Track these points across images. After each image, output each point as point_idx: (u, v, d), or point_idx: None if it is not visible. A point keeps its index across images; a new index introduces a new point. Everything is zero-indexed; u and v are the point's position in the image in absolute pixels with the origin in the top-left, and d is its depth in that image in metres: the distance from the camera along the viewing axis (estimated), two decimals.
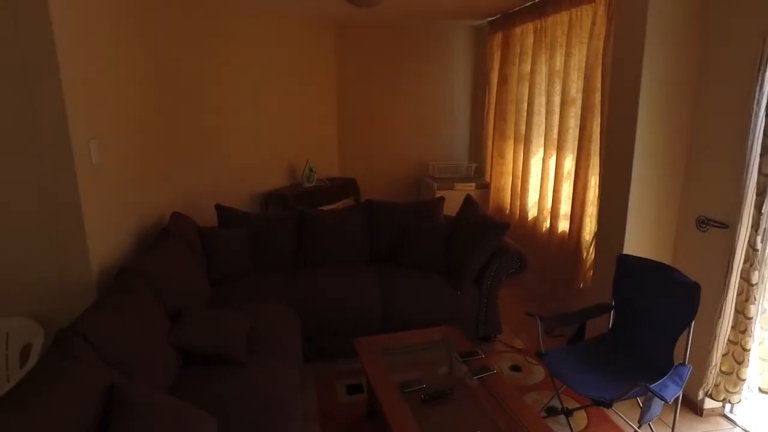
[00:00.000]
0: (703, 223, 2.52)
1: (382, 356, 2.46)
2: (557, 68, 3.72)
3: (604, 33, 3.05)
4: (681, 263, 2.64)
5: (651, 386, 1.95)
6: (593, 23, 3.17)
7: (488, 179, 5.03)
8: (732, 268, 2.28)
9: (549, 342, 3.33)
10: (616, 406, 2.16)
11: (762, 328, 2.38)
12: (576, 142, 3.46)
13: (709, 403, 2.55)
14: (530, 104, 4.12)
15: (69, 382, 1.49)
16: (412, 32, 5.25)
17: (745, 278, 2.25)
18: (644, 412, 1.99)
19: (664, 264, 2.42)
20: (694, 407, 2.61)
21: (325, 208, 4.36)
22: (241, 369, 2.18)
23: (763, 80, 2.10)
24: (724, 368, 2.41)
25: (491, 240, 3.19)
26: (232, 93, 4.25)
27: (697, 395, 2.53)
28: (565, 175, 3.68)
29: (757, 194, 2.16)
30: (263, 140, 4.56)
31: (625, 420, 2.56)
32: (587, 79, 3.26)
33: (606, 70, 3.02)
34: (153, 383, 1.91)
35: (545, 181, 3.96)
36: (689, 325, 2.24)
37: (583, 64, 3.33)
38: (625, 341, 2.50)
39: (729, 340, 2.38)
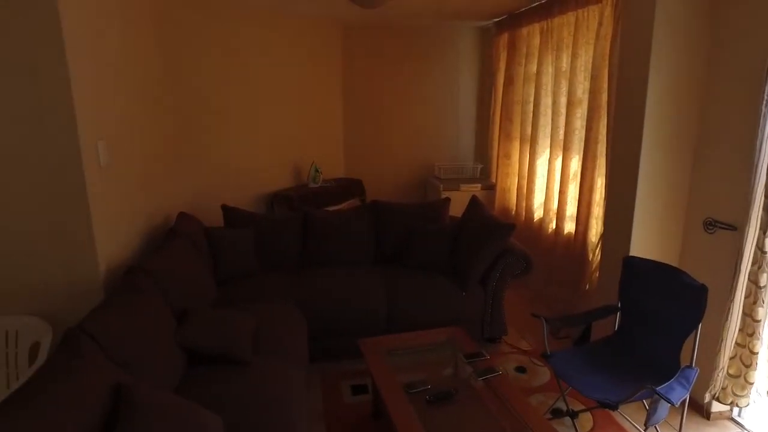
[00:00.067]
0: (710, 224, 2.51)
1: (387, 357, 2.46)
2: (563, 69, 3.71)
3: (611, 33, 3.03)
4: (688, 265, 2.62)
5: (657, 389, 1.94)
6: (600, 24, 3.16)
7: (494, 180, 5.02)
8: (740, 270, 2.26)
9: (554, 343, 3.31)
10: (622, 408, 2.15)
11: None
12: (582, 143, 3.44)
13: (716, 407, 2.54)
14: (536, 105, 4.11)
15: (76, 380, 1.50)
16: (418, 33, 5.25)
17: (753, 280, 2.23)
18: (650, 414, 1.98)
19: (670, 266, 2.41)
20: (701, 410, 2.59)
21: (331, 208, 4.37)
22: (247, 369, 2.19)
23: None
24: (731, 371, 2.39)
25: (497, 241, 3.18)
26: (239, 94, 4.27)
27: (703, 398, 2.51)
28: (571, 176, 3.67)
29: (765, 196, 2.14)
30: (269, 141, 4.58)
31: (631, 422, 2.55)
32: (594, 79, 3.25)
33: (613, 70, 3.01)
34: (159, 383, 1.92)
35: (551, 183, 3.95)
36: (696, 328, 2.22)
37: (590, 65, 3.31)
38: (631, 343, 2.49)
39: (737, 343, 2.36)
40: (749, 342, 2.30)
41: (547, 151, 4.02)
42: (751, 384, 2.34)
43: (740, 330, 2.33)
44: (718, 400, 2.46)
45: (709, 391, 2.45)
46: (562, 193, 3.74)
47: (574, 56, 3.50)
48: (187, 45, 3.83)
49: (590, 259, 3.38)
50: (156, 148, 3.34)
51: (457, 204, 4.27)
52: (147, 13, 3.25)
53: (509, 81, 4.61)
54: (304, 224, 3.61)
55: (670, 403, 1.92)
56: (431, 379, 2.29)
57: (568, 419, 2.54)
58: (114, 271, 2.47)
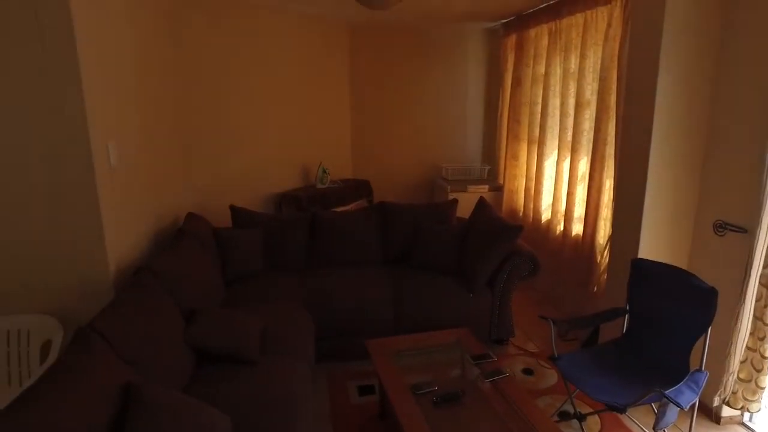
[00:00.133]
0: (720, 227, 2.48)
1: (394, 358, 2.46)
2: (572, 70, 3.69)
3: (620, 35, 3.02)
4: (697, 268, 2.60)
5: (666, 392, 1.92)
6: (609, 25, 3.14)
7: (501, 181, 5.01)
8: (750, 273, 2.24)
9: (562, 346, 3.30)
10: (630, 411, 2.14)
11: None
12: (590, 145, 3.43)
13: (726, 411, 2.51)
14: (544, 106, 4.10)
15: (87, 379, 1.52)
16: (425, 34, 5.26)
17: (764, 284, 2.21)
18: (659, 418, 1.97)
19: (679, 268, 2.39)
20: (710, 414, 2.57)
21: (339, 209, 4.38)
22: (254, 369, 2.20)
23: None
24: (742, 376, 2.37)
25: (504, 243, 3.17)
26: (247, 95, 4.29)
27: (713, 402, 2.48)
28: (579, 178, 3.65)
29: None
30: (277, 142, 4.60)
31: (639, 426, 2.53)
32: (602, 81, 3.23)
33: (621, 71, 2.99)
34: (168, 382, 1.94)
35: (559, 184, 3.94)
36: (706, 331, 2.20)
37: (599, 66, 3.30)
38: (639, 346, 2.47)
39: (747, 347, 2.34)
40: (760, 346, 2.28)
41: (555, 152, 4.01)
42: (763, 389, 2.31)
43: (751, 334, 2.31)
44: (728, 404, 2.44)
45: (718, 394, 2.43)
46: (570, 194, 3.73)
47: (582, 57, 3.49)
48: (196, 46, 3.86)
49: (598, 261, 3.36)
50: (165, 149, 3.37)
51: (465, 205, 4.27)
52: (157, 16, 3.28)
53: (517, 82, 4.60)
54: (311, 225, 3.63)
55: (679, 406, 1.91)
56: (438, 380, 2.29)
57: (575, 422, 2.53)
58: (124, 270, 2.50)
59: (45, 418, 1.33)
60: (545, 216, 4.26)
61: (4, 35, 2.05)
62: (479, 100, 5.52)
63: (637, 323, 2.52)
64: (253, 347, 2.29)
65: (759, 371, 2.30)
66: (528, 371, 3.07)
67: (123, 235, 2.52)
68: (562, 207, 3.90)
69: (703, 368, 2.20)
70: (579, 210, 3.68)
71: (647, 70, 2.52)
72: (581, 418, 2.51)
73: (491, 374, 2.28)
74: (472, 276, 3.21)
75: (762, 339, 2.26)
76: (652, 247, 2.67)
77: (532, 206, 4.43)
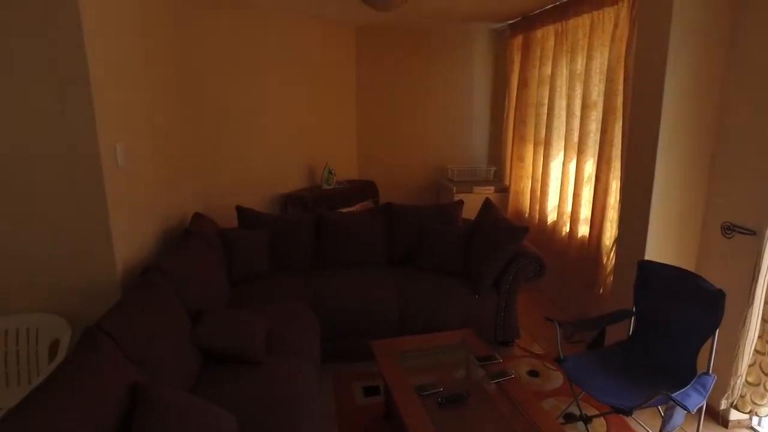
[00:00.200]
0: (728, 229, 2.47)
1: (400, 359, 2.46)
2: (578, 71, 3.68)
3: (626, 35, 3.01)
4: (705, 270, 2.58)
5: (673, 395, 1.91)
6: (616, 26, 3.13)
7: (507, 183, 5.00)
8: (758, 275, 2.22)
9: (568, 347, 3.29)
10: (637, 414, 2.13)
11: None
12: (597, 146, 3.41)
13: (735, 415, 2.49)
14: (550, 107, 4.09)
15: (95, 378, 1.53)
16: (431, 35, 5.26)
17: None
18: (666, 421, 1.96)
19: (687, 270, 2.38)
20: (719, 418, 2.55)
21: (344, 210, 4.39)
22: (260, 369, 2.21)
23: None
24: (750, 379, 2.35)
25: (510, 244, 3.17)
26: (253, 96, 4.31)
27: (720, 405, 2.46)
28: (585, 179, 3.64)
29: None
30: (283, 142, 4.61)
31: (645, 429, 2.52)
32: (609, 82, 3.22)
33: (628, 72, 2.98)
34: (175, 382, 1.95)
35: (565, 185, 3.92)
36: (713, 334, 2.19)
37: (605, 67, 3.29)
38: (645, 348, 2.46)
39: (756, 350, 2.32)
40: None
41: (561, 153, 3.99)
42: None
43: (759, 337, 2.29)
44: (736, 408, 2.42)
45: (726, 398, 2.41)
46: (576, 196, 3.71)
47: (589, 58, 3.48)
48: (202, 47, 3.88)
49: (604, 262, 3.34)
50: (172, 150, 3.39)
51: (471, 206, 4.26)
52: (164, 17, 3.30)
53: (523, 83, 4.59)
54: (317, 225, 3.64)
55: (686, 409, 1.90)
56: (443, 381, 2.29)
57: (581, 424, 2.52)
58: (131, 270, 2.52)
59: (53, 417, 1.34)
60: (551, 217, 4.24)
61: (13, 38, 2.07)
62: (485, 101, 5.51)
63: (643, 325, 2.51)
64: (259, 348, 2.30)
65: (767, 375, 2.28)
66: (533, 373, 3.06)
67: (130, 235, 2.54)
68: (568, 208, 3.88)
69: (710, 371, 2.19)
70: (585, 211, 3.67)
71: (654, 71, 2.51)
72: (587, 420, 2.50)
73: (496, 376, 2.28)
74: (477, 277, 3.21)
75: None
76: (658, 248, 2.65)
77: (538, 207, 4.42)
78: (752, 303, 2.25)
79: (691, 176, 2.58)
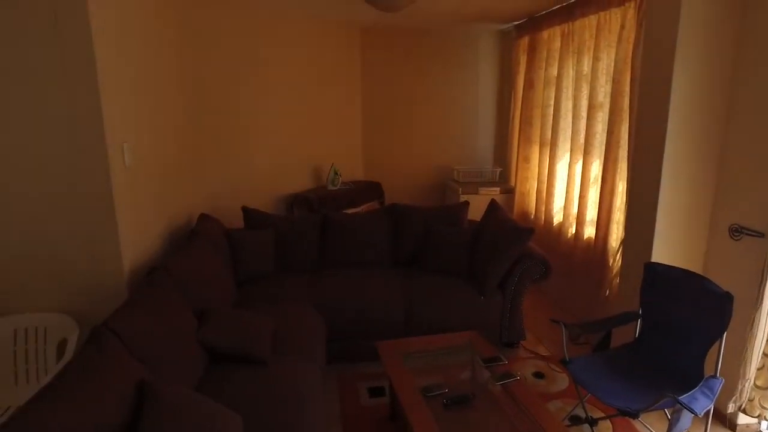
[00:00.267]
0: (736, 231, 2.45)
1: (405, 360, 2.46)
2: (585, 72, 3.67)
3: (633, 36, 2.99)
4: (712, 272, 2.57)
5: (680, 398, 1.90)
6: (622, 26, 3.12)
7: (513, 184, 4.99)
8: (767, 278, 2.21)
9: (573, 349, 3.27)
10: (643, 417, 2.12)
11: None
12: (603, 147, 3.40)
13: (743, 419, 2.47)
14: (556, 109, 4.07)
15: (102, 377, 1.54)
16: (437, 36, 5.26)
17: None
18: (673, 424, 1.94)
19: (694, 272, 2.36)
20: (726, 422, 2.53)
21: (350, 211, 4.39)
22: (266, 369, 2.22)
23: None
24: (759, 383, 2.33)
25: (516, 245, 3.16)
26: (259, 97, 4.33)
27: (727, 409, 2.45)
28: (591, 181, 3.62)
29: None
30: (289, 143, 4.63)
31: None
32: (615, 83, 3.21)
33: (635, 74, 2.97)
34: (181, 381, 1.96)
35: (571, 187, 3.91)
36: (721, 337, 2.17)
37: (612, 68, 3.27)
38: (652, 351, 2.44)
39: (764, 354, 2.30)
40: None
41: (568, 154, 3.98)
42: None
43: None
44: (744, 412, 2.40)
45: (733, 401, 2.39)
46: (582, 197, 3.70)
47: (595, 59, 3.47)
48: (208, 49, 3.91)
49: (610, 264, 3.33)
50: (178, 151, 3.41)
51: (476, 207, 4.26)
52: (168, 19, 3.32)
53: (529, 84, 4.58)
54: (323, 226, 3.64)
55: (693, 413, 1.88)
56: (449, 382, 2.29)
57: (587, 427, 2.51)
58: (137, 270, 2.53)
59: (61, 415, 1.35)
60: (557, 219, 4.23)
61: (24, 39, 2.10)
62: (491, 102, 5.50)
63: (650, 328, 2.50)
64: (265, 348, 2.30)
65: None
66: (539, 375, 3.05)
67: (137, 236, 2.56)
68: (574, 210, 3.87)
69: (717, 374, 2.17)
70: (591, 213, 3.65)
71: (662, 72, 2.49)
72: (593, 422, 2.49)
73: (502, 377, 2.27)
74: (483, 278, 3.20)
75: None
76: (665, 250, 2.64)
77: (543, 209, 4.41)
78: (760, 305, 2.23)
79: (698, 177, 2.56)
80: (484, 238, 3.39)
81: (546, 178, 4.33)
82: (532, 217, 4.63)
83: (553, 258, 3.44)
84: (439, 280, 3.32)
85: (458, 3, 3.84)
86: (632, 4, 3.00)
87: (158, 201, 2.94)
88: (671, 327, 2.39)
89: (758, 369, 2.32)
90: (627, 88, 3.08)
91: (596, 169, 3.57)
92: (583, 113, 3.69)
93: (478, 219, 3.79)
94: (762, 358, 2.30)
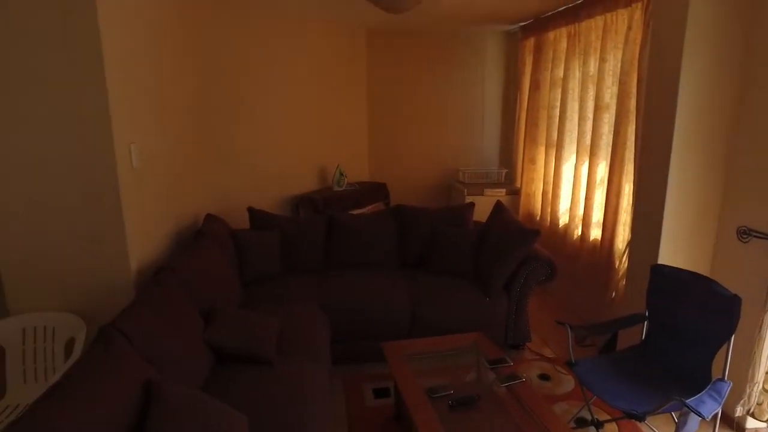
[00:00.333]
0: (745, 233, 2.43)
1: (410, 361, 2.46)
2: (591, 73, 3.66)
3: (640, 37, 2.98)
4: (720, 275, 2.55)
5: (687, 401, 1.89)
6: (629, 27, 3.11)
7: (519, 185, 4.98)
8: None
9: (579, 351, 3.26)
10: (650, 420, 2.10)
11: None
12: (609, 149, 3.39)
13: (751, 423, 2.45)
14: (563, 110, 4.06)
15: (110, 376, 1.55)
16: (443, 38, 5.26)
17: None
18: (680, 427, 1.93)
19: (701, 275, 2.35)
20: (734, 425, 2.51)
21: (355, 212, 4.40)
22: (271, 369, 2.23)
23: None
24: (767, 387, 2.31)
25: (521, 247, 3.15)
26: (265, 98, 4.34)
27: (735, 412, 2.43)
28: (597, 182, 3.61)
29: None
30: (295, 145, 4.64)
31: None
32: (622, 84, 3.20)
33: (642, 75, 2.96)
34: (187, 380, 1.97)
35: (577, 188, 3.90)
36: (729, 340, 2.16)
37: (618, 70, 3.26)
38: (659, 353, 2.43)
39: None
40: None
41: (574, 156, 3.97)
42: None
43: None
44: (752, 416, 2.38)
45: (741, 405, 2.37)
46: (588, 198, 3.69)
47: (602, 60, 3.45)
48: (214, 50, 3.93)
49: (617, 266, 3.31)
50: (185, 152, 3.43)
51: (482, 209, 4.25)
52: (176, 22, 3.34)
53: (535, 86, 4.57)
54: (328, 227, 3.65)
55: (701, 416, 1.87)
56: (454, 384, 2.29)
57: (592, 429, 2.50)
58: (144, 270, 2.55)
59: (69, 414, 1.36)
60: (563, 220, 4.22)
61: (33, 41, 2.12)
62: (497, 104, 5.49)
63: (656, 330, 2.48)
64: (270, 348, 2.31)
65: None
66: (544, 377, 3.04)
67: (144, 236, 2.58)
68: (580, 211, 3.86)
69: (725, 377, 2.15)
70: (597, 214, 3.64)
71: (669, 73, 2.48)
72: (598, 425, 2.48)
73: (507, 379, 2.27)
74: (488, 280, 3.20)
75: None
76: (672, 252, 2.62)
77: (549, 210, 4.39)
78: None
79: (706, 179, 2.55)
80: (489, 240, 3.38)
81: (552, 180, 4.32)
82: (538, 218, 4.62)
83: (559, 260, 3.43)
84: (445, 281, 3.32)
85: (464, 4, 3.84)
86: (639, 5, 2.99)
87: (165, 201, 2.96)
88: (678, 329, 2.38)
89: (767, 372, 2.30)
90: (634, 90, 3.07)
91: (602, 170, 3.55)
92: (590, 114, 3.68)
93: (484, 220, 3.78)
94: None
